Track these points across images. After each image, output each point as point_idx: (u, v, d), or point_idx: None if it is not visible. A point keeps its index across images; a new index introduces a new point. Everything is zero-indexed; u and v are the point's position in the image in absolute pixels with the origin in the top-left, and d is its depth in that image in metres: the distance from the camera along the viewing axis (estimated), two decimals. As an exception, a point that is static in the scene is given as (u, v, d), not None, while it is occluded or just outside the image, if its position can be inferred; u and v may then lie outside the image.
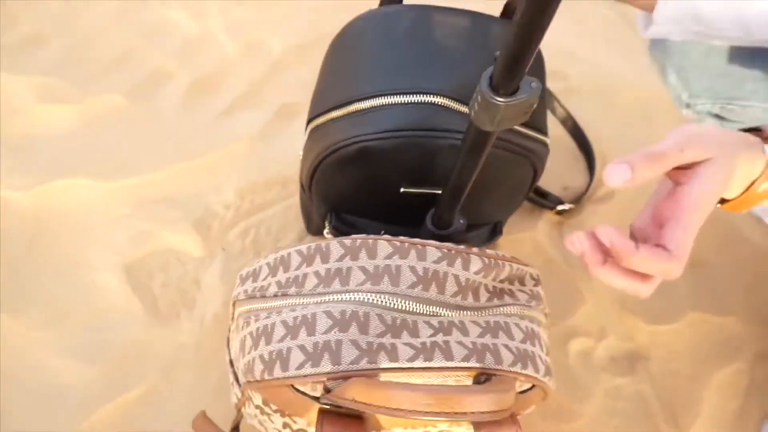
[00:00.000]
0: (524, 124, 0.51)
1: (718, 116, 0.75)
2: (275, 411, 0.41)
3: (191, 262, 0.77)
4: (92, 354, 0.69)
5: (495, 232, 0.65)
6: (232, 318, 0.48)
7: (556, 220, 0.86)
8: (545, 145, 0.55)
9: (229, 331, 0.48)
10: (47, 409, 0.65)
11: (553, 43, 1.06)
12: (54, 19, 0.99)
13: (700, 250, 0.85)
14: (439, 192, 0.50)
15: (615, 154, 0.93)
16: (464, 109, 0.48)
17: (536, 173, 0.56)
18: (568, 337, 0.76)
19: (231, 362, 0.51)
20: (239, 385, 0.48)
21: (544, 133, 0.55)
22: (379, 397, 0.32)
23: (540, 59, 0.59)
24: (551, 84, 0.99)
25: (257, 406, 0.42)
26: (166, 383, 0.68)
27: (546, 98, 0.85)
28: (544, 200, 0.85)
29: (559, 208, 0.85)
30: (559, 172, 0.91)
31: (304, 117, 0.81)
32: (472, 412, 0.32)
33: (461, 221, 0.53)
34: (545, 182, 0.87)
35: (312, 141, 0.56)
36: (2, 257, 0.74)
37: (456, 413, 0.31)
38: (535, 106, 0.33)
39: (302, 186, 0.62)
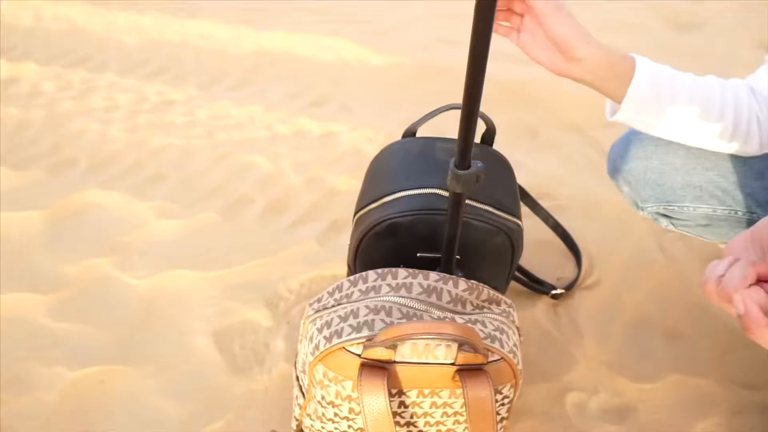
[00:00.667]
0: (497, 208, 0.77)
1: (666, 216, 0.98)
2: (331, 381, 0.62)
3: (262, 331, 1.00)
4: (186, 395, 0.90)
5: (492, 295, 0.87)
6: (301, 333, 0.70)
7: (551, 303, 1.06)
8: (517, 224, 0.80)
9: (299, 342, 0.71)
10: (153, 432, 0.85)
11: (546, 173, 1.35)
12: (172, 162, 1.35)
13: (677, 324, 1.03)
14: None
15: (599, 253, 1.16)
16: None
17: (513, 245, 0.80)
18: (565, 391, 0.93)
19: (297, 377, 0.73)
20: (302, 385, 0.69)
21: (516, 216, 0.81)
22: (396, 332, 0.54)
23: (505, 162, 0.87)
24: (547, 202, 1.25)
25: (319, 382, 0.64)
26: (241, 419, 0.88)
27: (536, 208, 1.11)
28: (540, 287, 1.07)
29: (553, 292, 1.06)
30: (553, 266, 1.13)
31: (350, 229, 1.08)
32: (450, 333, 0.53)
33: (459, 274, 0.76)
34: (542, 273, 1.09)
35: (356, 226, 0.83)
36: (127, 324, 1.00)
37: (439, 333, 0.53)
38: (482, 176, 0.59)
39: (349, 266, 0.88)
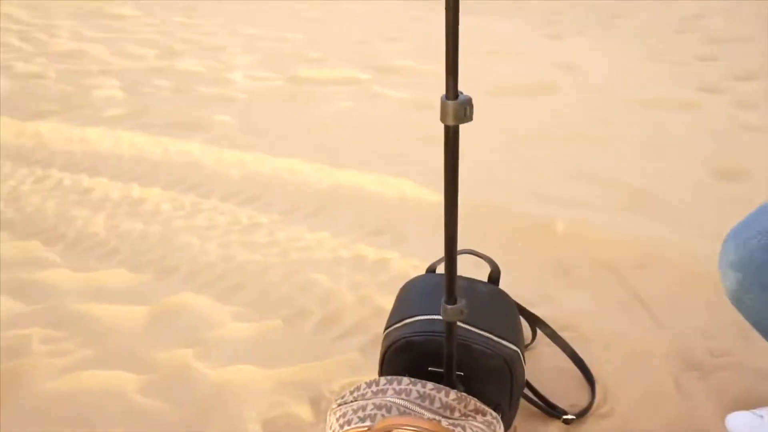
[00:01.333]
0: (494, 333, 0.95)
1: None
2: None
3: (305, 425, 1.18)
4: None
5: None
6: (327, 423, 0.89)
7: (563, 427, 1.17)
8: (514, 350, 0.97)
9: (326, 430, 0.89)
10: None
11: (572, 307, 1.49)
12: (252, 275, 1.64)
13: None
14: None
15: (615, 385, 1.26)
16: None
17: (509, 367, 0.96)
18: None
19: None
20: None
21: (513, 343, 0.97)
22: (385, 422, 0.72)
23: (507, 298, 1.05)
24: (568, 333, 1.38)
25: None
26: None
27: (555, 337, 1.25)
28: (553, 411, 1.19)
29: (565, 417, 1.17)
30: (568, 393, 1.24)
31: (389, 338, 1.27)
32: (423, 426, 0.69)
33: (461, 388, 0.93)
34: (557, 398, 1.21)
35: (384, 340, 1.03)
36: (197, 405, 1.22)
37: (416, 426, 0.70)
38: (465, 311, 0.79)
39: (379, 370, 1.07)
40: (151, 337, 1.43)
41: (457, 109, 0.68)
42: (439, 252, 1.72)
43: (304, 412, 1.20)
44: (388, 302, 1.51)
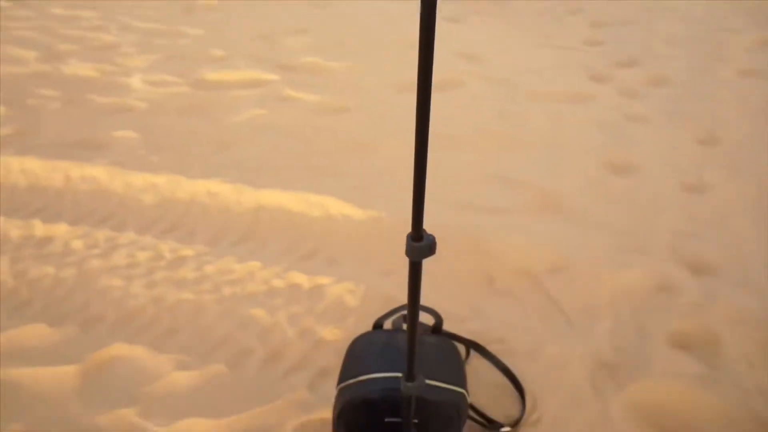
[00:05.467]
0: (442, 380, 1.03)
1: None
2: None
3: (263, 474, 1.22)
4: None
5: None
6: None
7: (501, 439, 1.30)
8: (460, 393, 1.06)
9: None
10: None
11: (499, 319, 1.62)
12: (185, 316, 1.61)
13: None
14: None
15: (541, 393, 1.40)
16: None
17: (458, 410, 1.05)
18: None
19: None
20: None
21: (459, 385, 1.06)
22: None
23: (450, 345, 1.14)
24: (497, 346, 1.51)
25: None
26: None
27: (488, 356, 1.37)
28: (491, 425, 1.31)
29: (502, 429, 1.29)
30: (502, 405, 1.37)
31: (335, 375, 1.32)
32: None
33: (417, 436, 1.01)
34: (492, 412, 1.33)
35: (339, 396, 1.08)
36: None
37: None
38: (423, 385, 0.85)
39: (333, 422, 1.12)
40: (85, 400, 1.38)
41: (422, 249, 0.73)
42: (371, 274, 1.78)
43: (261, 460, 1.24)
44: (328, 333, 1.56)
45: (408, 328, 0.82)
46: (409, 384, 0.84)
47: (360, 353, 1.09)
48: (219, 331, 1.57)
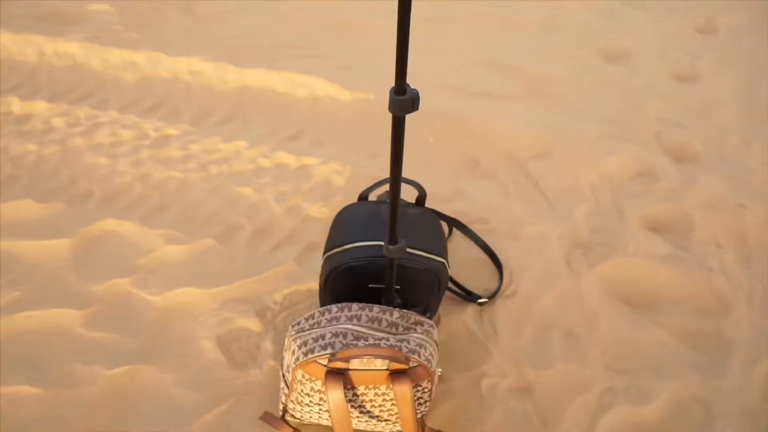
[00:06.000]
0: (424, 250, 1.08)
1: None
2: (307, 380, 0.92)
3: (254, 336, 1.30)
4: (198, 386, 1.20)
5: (425, 312, 1.18)
6: (286, 345, 1.00)
7: (478, 309, 1.38)
8: (441, 262, 1.11)
9: (284, 351, 1.01)
10: (171, 417, 1.15)
11: (483, 200, 1.66)
12: (173, 194, 1.63)
13: (573, 325, 1.35)
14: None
15: (518, 267, 1.47)
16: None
17: (438, 277, 1.11)
18: (481, 377, 1.24)
19: (283, 375, 1.03)
20: (287, 381, 0.99)
21: (441, 256, 1.11)
22: (349, 353, 0.84)
23: (432, 216, 1.17)
24: (479, 226, 1.56)
25: (299, 381, 0.94)
26: (241, 403, 1.18)
27: (469, 233, 1.42)
28: (469, 296, 1.39)
29: (479, 301, 1.38)
30: (481, 279, 1.45)
31: (321, 250, 1.37)
32: (381, 354, 0.83)
33: (399, 302, 1.07)
34: (472, 285, 1.41)
35: (325, 264, 1.13)
36: (148, 332, 1.29)
37: (375, 354, 0.83)
38: (405, 248, 0.89)
39: (320, 288, 1.18)
40: (80, 271, 1.42)
41: (404, 103, 0.72)
42: (359, 153, 1.79)
43: (253, 324, 1.31)
44: (315, 211, 1.60)
45: (390, 188, 0.84)
46: (392, 247, 0.88)
47: (345, 223, 1.13)
48: (207, 208, 1.59)
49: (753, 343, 1.33)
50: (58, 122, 1.84)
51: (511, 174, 1.76)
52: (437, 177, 1.71)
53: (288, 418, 1.06)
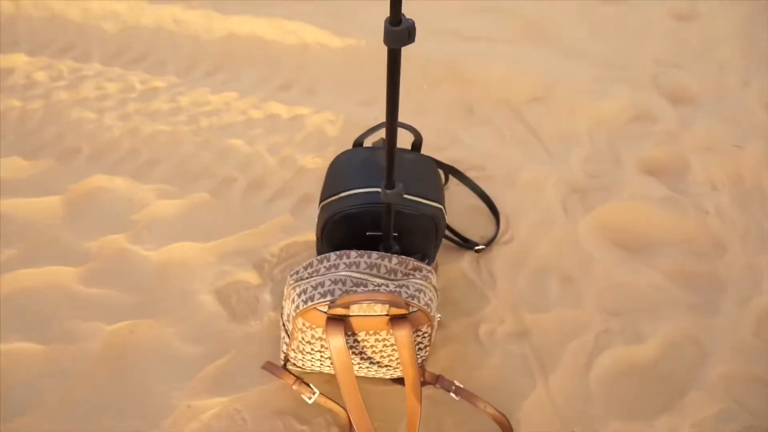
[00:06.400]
0: (421, 196, 1.07)
1: None
2: (308, 328, 0.93)
3: (253, 288, 1.30)
4: (198, 339, 1.21)
5: (423, 258, 1.18)
6: (285, 294, 1.00)
7: (475, 256, 1.39)
8: (438, 208, 1.10)
9: (283, 300, 1.01)
10: (172, 370, 1.16)
11: (479, 147, 1.64)
12: (163, 147, 1.59)
13: (568, 270, 1.36)
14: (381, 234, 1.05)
15: (515, 214, 1.47)
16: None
17: (436, 224, 1.10)
18: (479, 323, 1.26)
19: (283, 324, 1.04)
20: (287, 330, 1.00)
21: (437, 201, 1.10)
22: (349, 299, 0.85)
23: (429, 162, 1.16)
24: (476, 173, 1.55)
25: (300, 329, 0.95)
26: (241, 355, 1.19)
27: (466, 181, 1.41)
28: (466, 243, 1.39)
29: (476, 248, 1.38)
30: (478, 226, 1.45)
31: (317, 201, 1.36)
32: (381, 299, 0.84)
33: (396, 248, 1.07)
34: (469, 232, 1.41)
35: (321, 213, 1.12)
36: (146, 287, 1.29)
37: (374, 299, 0.84)
38: (402, 193, 0.88)
39: (317, 238, 1.17)
40: (74, 228, 1.41)
41: (400, 34, 0.68)
42: (352, 101, 1.75)
43: (251, 276, 1.31)
44: (309, 161, 1.57)
45: (387, 129, 0.82)
46: (389, 191, 0.87)
47: (340, 171, 1.11)
48: (199, 162, 1.57)
49: (746, 282, 1.35)
50: (40, 76, 1.78)
51: (507, 119, 1.73)
52: (432, 124, 1.68)
53: (290, 367, 1.08)
